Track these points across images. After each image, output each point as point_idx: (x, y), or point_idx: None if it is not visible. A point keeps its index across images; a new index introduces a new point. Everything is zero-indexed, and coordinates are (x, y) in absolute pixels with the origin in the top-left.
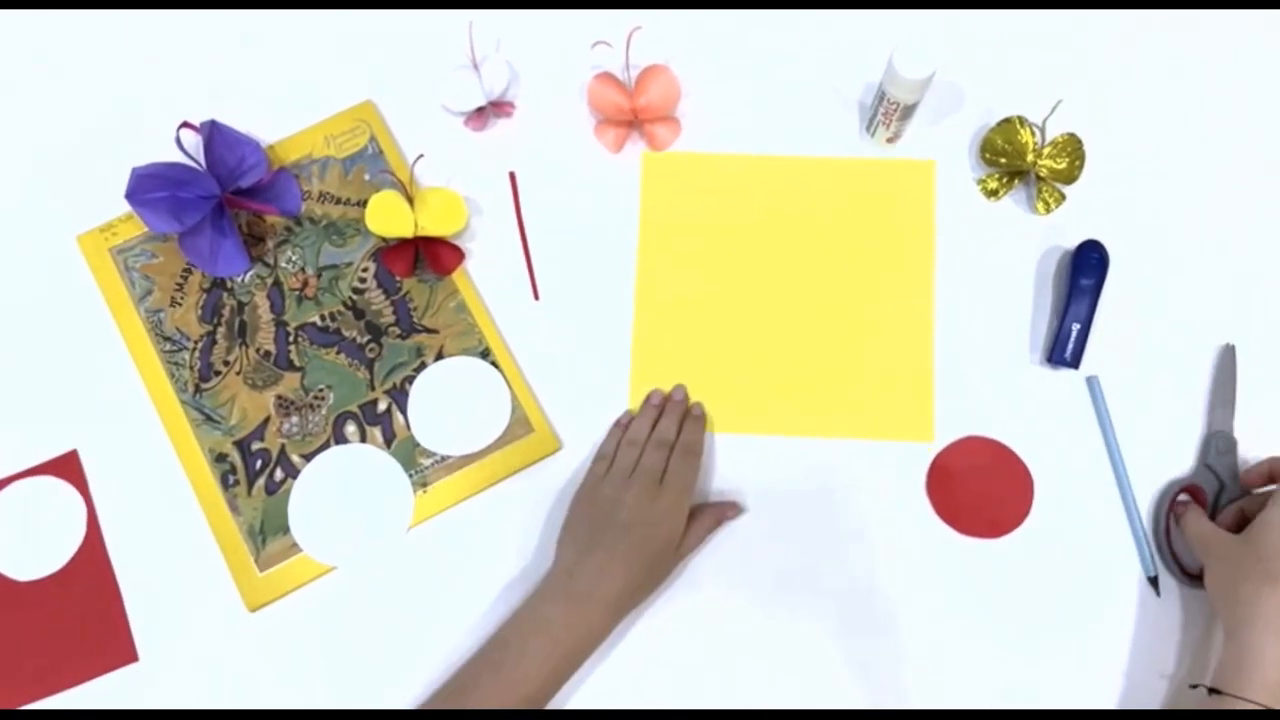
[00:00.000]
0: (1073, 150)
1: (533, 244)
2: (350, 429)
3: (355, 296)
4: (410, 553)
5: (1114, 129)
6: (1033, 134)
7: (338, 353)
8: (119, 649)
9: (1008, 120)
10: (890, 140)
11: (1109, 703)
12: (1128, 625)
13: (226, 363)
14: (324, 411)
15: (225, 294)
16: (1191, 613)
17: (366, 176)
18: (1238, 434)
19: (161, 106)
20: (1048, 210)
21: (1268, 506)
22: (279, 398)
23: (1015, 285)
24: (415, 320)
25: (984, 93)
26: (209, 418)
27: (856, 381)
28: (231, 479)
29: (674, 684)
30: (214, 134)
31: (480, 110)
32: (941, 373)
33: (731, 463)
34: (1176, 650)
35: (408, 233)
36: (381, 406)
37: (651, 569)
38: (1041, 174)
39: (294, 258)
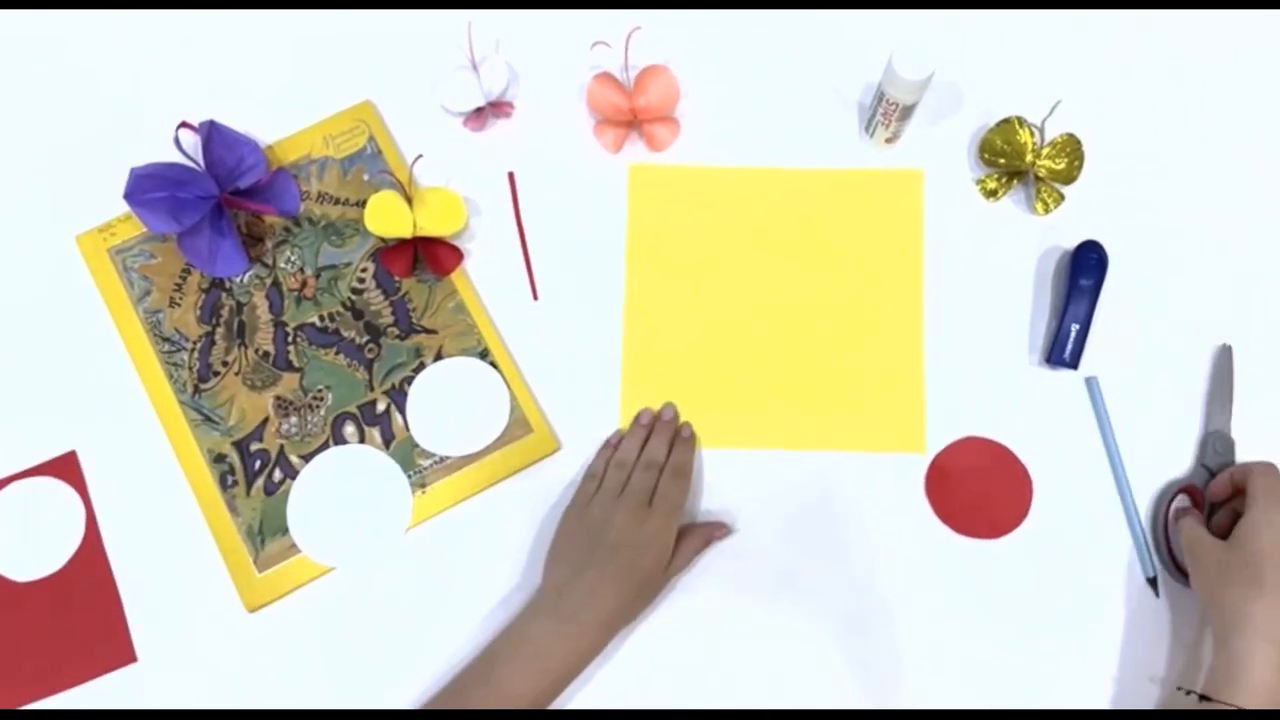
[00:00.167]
0: (1072, 151)
1: (532, 244)
2: (349, 429)
3: (354, 297)
4: (409, 553)
5: (1113, 129)
6: (1032, 134)
7: (336, 353)
8: (118, 649)
9: (1007, 121)
10: (889, 140)
11: (1108, 703)
12: (1127, 626)
13: (225, 363)
14: (323, 412)
15: (224, 294)
16: (1189, 614)
17: (365, 177)
18: (1235, 434)
19: (160, 106)
20: (1047, 211)
21: (1247, 511)
22: (278, 398)
23: (1014, 286)
24: (414, 321)
25: (983, 93)
26: (208, 418)
27: (847, 394)
28: (230, 479)
29: (674, 684)
30: (213, 134)
31: (479, 110)
32: (941, 373)
33: (725, 476)
34: (1175, 651)
35: (406, 233)
36: (380, 407)
37: (640, 591)
38: (1040, 174)
39: (293, 258)
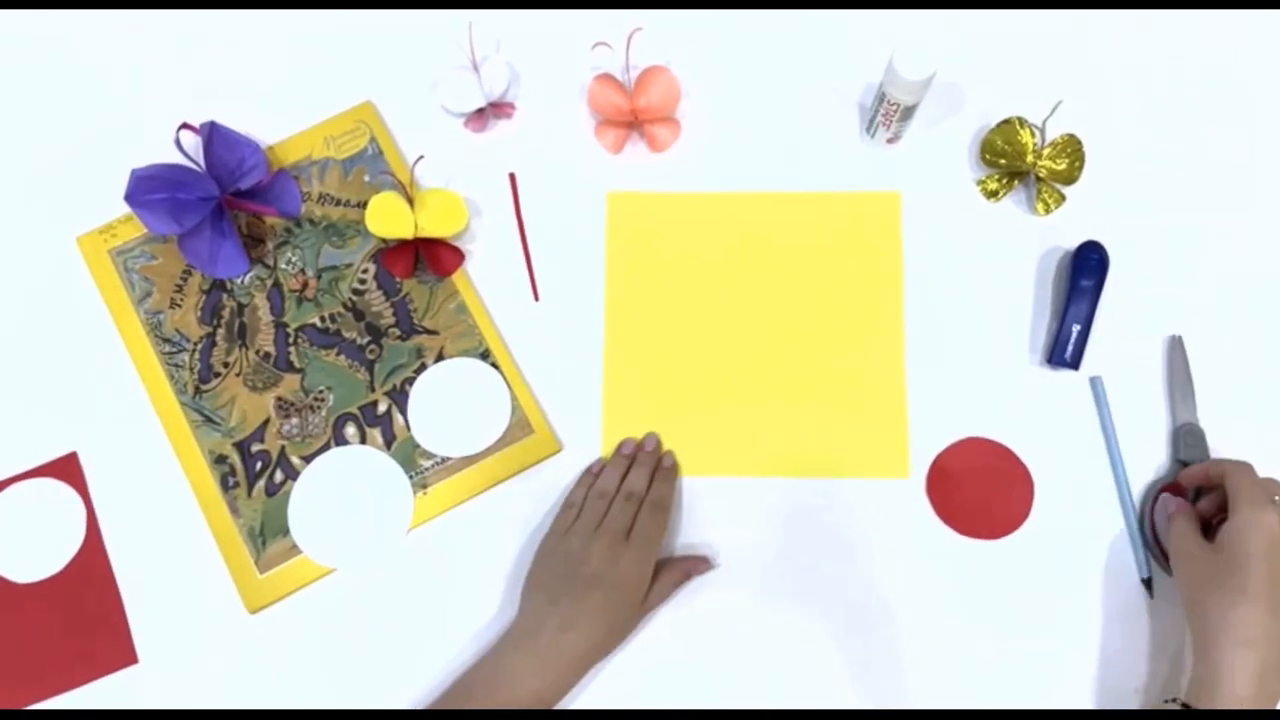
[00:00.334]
0: (1072, 151)
1: (533, 245)
2: (350, 430)
3: (355, 298)
4: (410, 554)
5: (1114, 130)
6: (1032, 135)
7: (338, 354)
8: (119, 651)
9: (1007, 121)
10: (891, 141)
11: (1108, 703)
12: (1127, 626)
13: (226, 364)
14: (324, 413)
15: (225, 295)
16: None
17: (366, 178)
18: (1214, 426)
19: (161, 107)
20: (1047, 211)
21: (1231, 515)
22: (279, 399)
23: (1015, 286)
24: (415, 321)
25: (984, 93)
26: (209, 419)
27: (830, 419)
28: (231, 480)
29: (674, 684)
30: (213, 135)
31: (480, 111)
32: (942, 373)
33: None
34: (1176, 654)
35: (408, 234)
36: (381, 408)
37: (615, 626)
38: (1041, 175)
39: (294, 259)
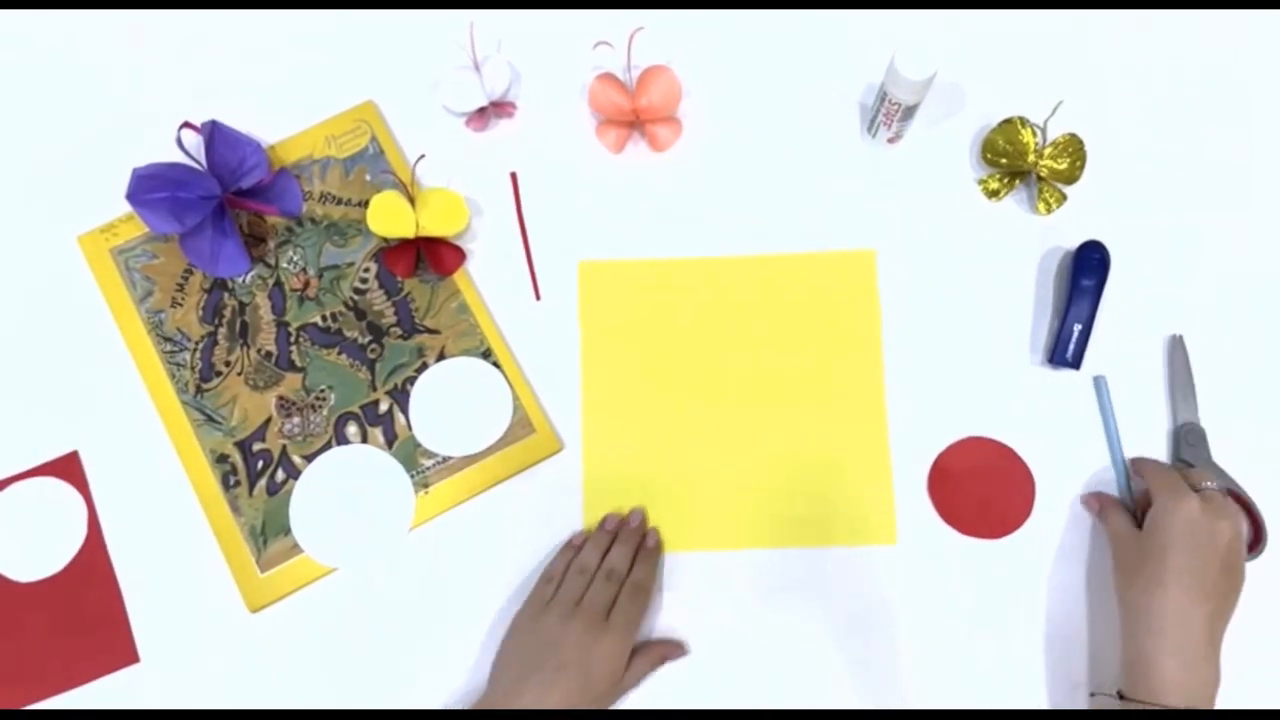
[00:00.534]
0: (1074, 151)
1: (534, 244)
2: (351, 430)
3: (356, 297)
4: (411, 554)
5: (1115, 129)
6: (1034, 134)
7: (339, 353)
8: (120, 650)
9: (1009, 121)
10: (892, 141)
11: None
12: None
13: (228, 363)
14: (325, 412)
15: (226, 295)
16: None
17: (368, 177)
18: (1223, 426)
19: (162, 106)
20: (1049, 210)
21: (1153, 502)
22: (280, 398)
23: (1016, 285)
24: (416, 321)
25: (985, 93)
26: (210, 418)
27: (814, 486)
28: (233, 480)
29: (674, 683)
30: (215, 134)
31: (481, 110)
32: (942, 372)
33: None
34: None
35: (409, 233)
36: (383, 407)
37: (587, 708)
38: (1042, 174)
39: (295, 258)
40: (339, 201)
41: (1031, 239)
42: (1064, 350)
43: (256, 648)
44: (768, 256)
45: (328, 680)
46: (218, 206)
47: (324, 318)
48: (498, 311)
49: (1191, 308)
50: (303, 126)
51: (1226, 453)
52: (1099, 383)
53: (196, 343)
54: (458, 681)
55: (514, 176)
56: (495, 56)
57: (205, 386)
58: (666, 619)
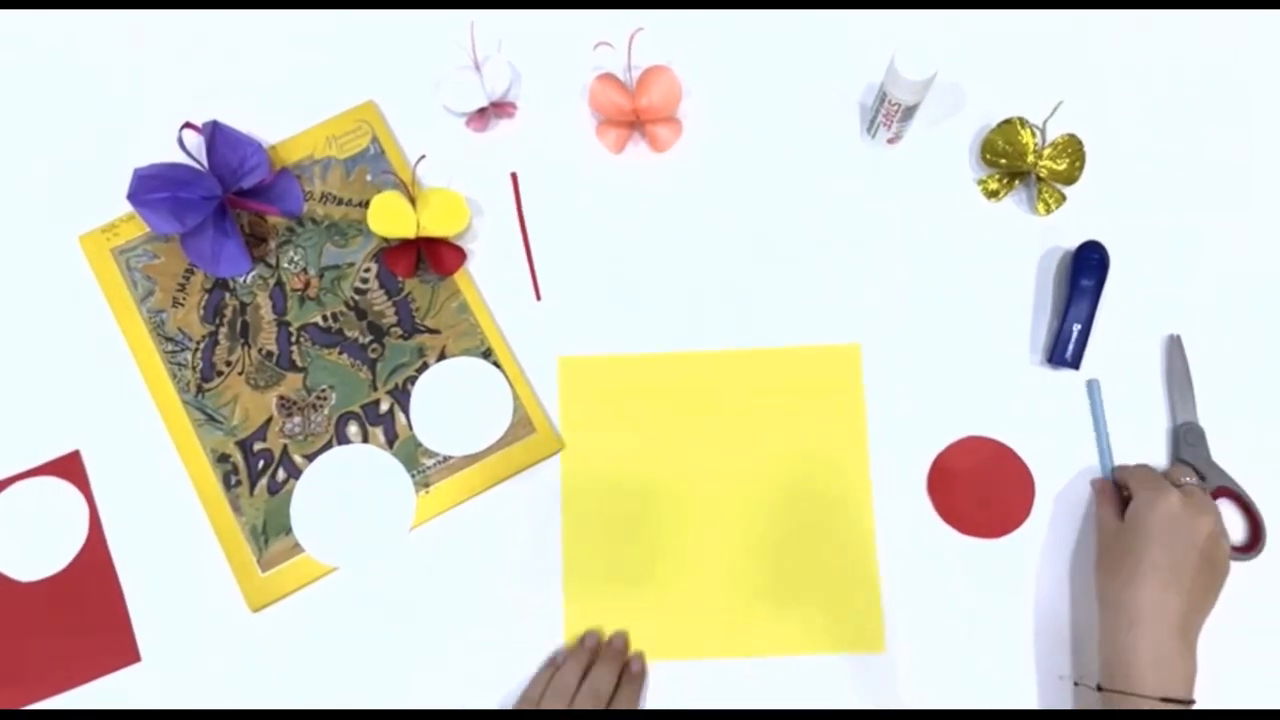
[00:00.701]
0: (1073, 151)
1: (534, 244)
2: (352, 429)
3: (357, 297)
4: (412, 553)
5: (1114, 130)
6: (1033, 135)
7: (340, 353)
8: (121, 649)
9: (1008, 121)
10: (891, 141)
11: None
12: None
13: (229, 363)
14: (326, 412)
15: (227, 294)
16: None
17: (368, 177)
18: (1223, 426)
19: (163, 107)
20: (1048, 211)
21: (1134, 497)
22: (281, 398)
23: (1016, 286)
24: (417, 321)
25: (985, 93)
26: (211, 418)
27: (799, 591)
28: (234, 479)
29: (674, 683)
30: (216, 134)
31: (482, 111)
32: (942, 372)
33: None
34: None
35: (409, 233)
36: (384, 407)
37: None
38: (1042, 175)
39: (296, 258)
40: (340, 201)
41: (1031, 239)
42: (1063, 350)
43: (257, 647)
44: (751, 351)
45: (329, 680)
46: (219, 206)
47: (325, 317)
48: (498, 311)
49: (1191, 308)
50: (303, 126)
51: (1226, 452)
52: (1092, 386)
53: (198, 342)
54: (457, 681)
55: (514, 176)
56: (496, 56)
57: (206, 386)
58: None
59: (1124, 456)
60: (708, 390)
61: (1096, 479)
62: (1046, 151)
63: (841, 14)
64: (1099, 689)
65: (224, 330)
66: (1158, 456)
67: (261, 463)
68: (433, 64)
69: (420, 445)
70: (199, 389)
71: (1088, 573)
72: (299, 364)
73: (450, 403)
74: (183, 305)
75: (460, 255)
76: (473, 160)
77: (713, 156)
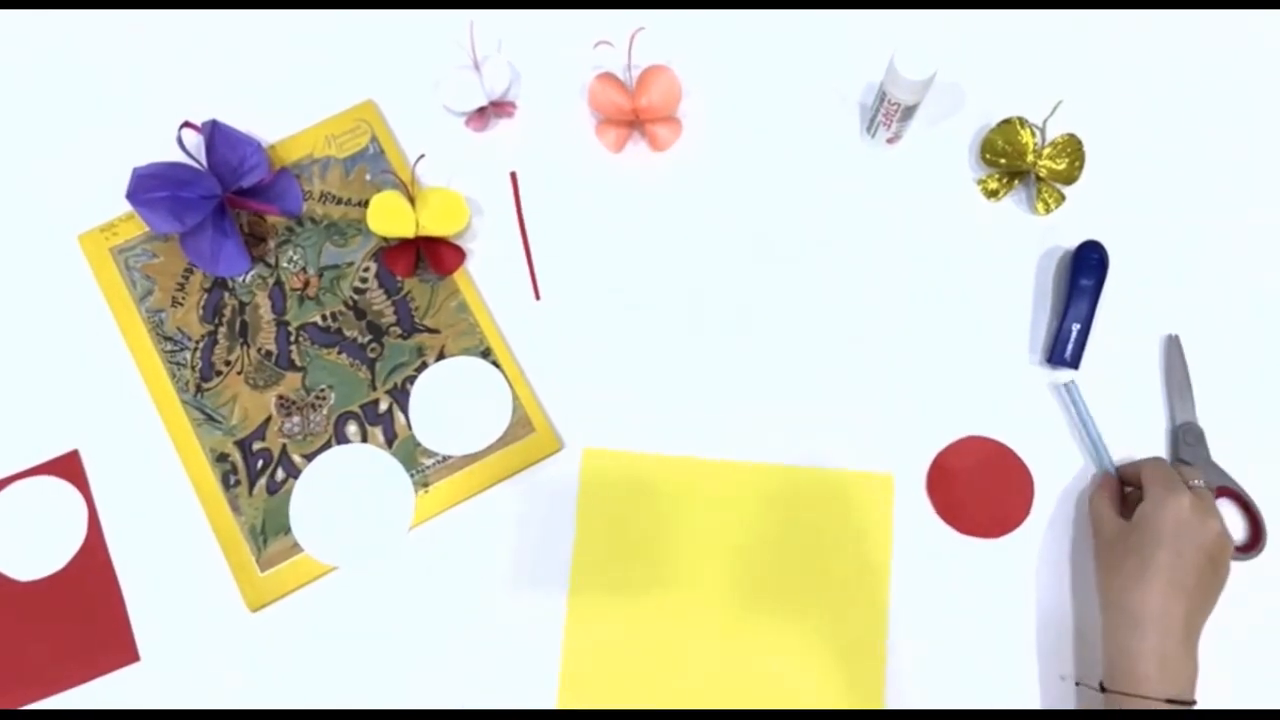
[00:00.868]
0: (1073, 151)
1: (534, 244)
2: (351, 429)
3: (356, 296)
4: (411, 553)
5: (1114, 129)
6: (1033, 134)
7: (339, 353)
8: (120, 649)
9: (1008, 121)
10: (891, 141)
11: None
12: None
13: (228, 363)
14: (325, 411)
15: (226, 294)
16: None
17: (368, 176)
18: (1222, 426)
19: (163, 106)
20: (1047, 211)
21: (1146, 495)
22: (280, 397)
23: (1015, 285)
24: (416, 320)
25: (984, 93)
26: (210, 417)
27: (805, 704)
28: (233, 479)
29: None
30: (215, 134)
31: (481, 110)
32: (942, 372)
33: None
34: None
35: (409, 233)
36: (383, 406)
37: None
38: (1041, 174)
39: (295, 258)
40: (339, 201)
41: (1030, 239)
42: (1062, 350)
43: (256, 647)
44: (783, 467)
45: (328, 679)
46: (218, 206)
47: (324, 317)
48: (497, 311)
49: (1191, 307)
50: (303, 126)
51: (1225, 452)
52: (1071, 389)
53: (197, 342)
54: (456, 681)
55: (514, 176)
56: (495, 56)
57: (205, 386)
58: None
59: (1123, 457)
60: (732, 496)
61: (1099, 475)
62: (1046, 151)
63: (841, 14)
64: (1102, 690)
65: (223, 330)
66: (1159, 456)
67: (260, 462)
68: (432, 63)
69: (419, 445)
70: (198, 388)
71: (1087, 572)
72: (298, 363)
73: (449, 402)
74: (182, 305)
75: (459, 255)
76: (472, 159)
77: (712, 156)
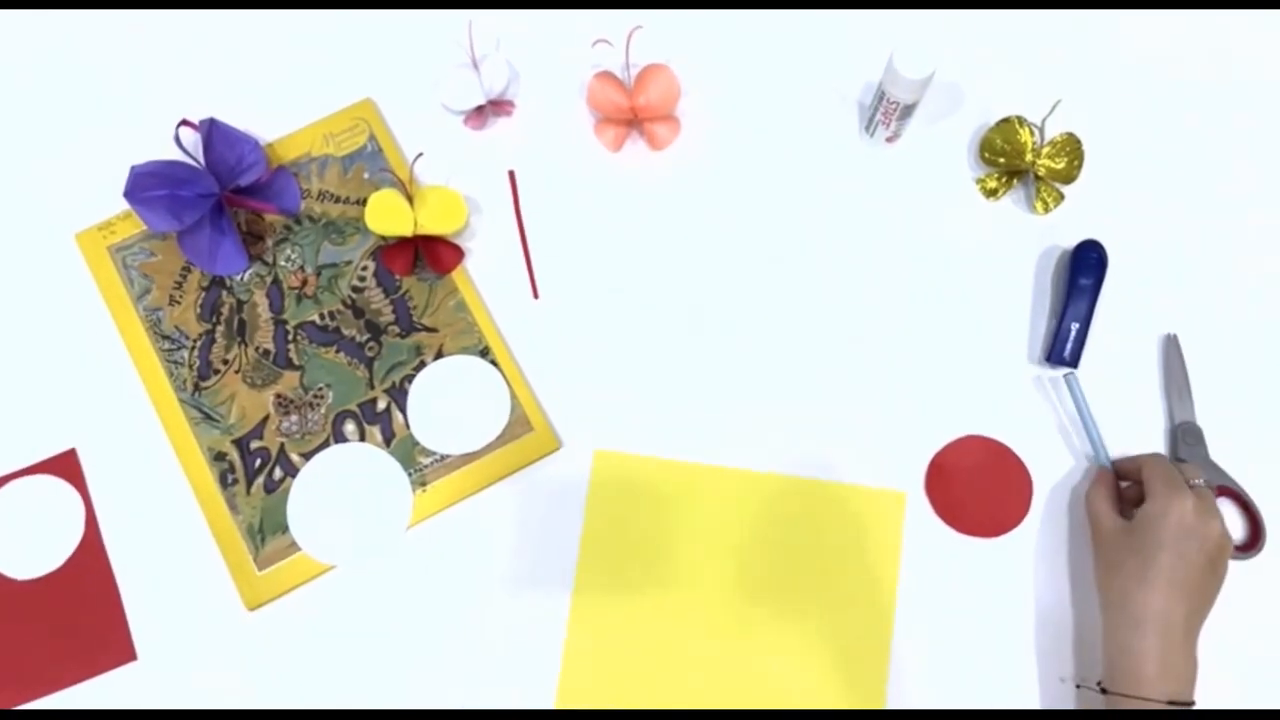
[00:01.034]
0: (1071, 150)
1: (532, 243)
2: (349, 428)
3: (354, 295)
4: (409, 552)
5: (1113, 129)
6: (1032, 134)
7: (337, 351)
8: (118, 648)
9: (1007, 120)
10: (890, 140)
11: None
12: None
13: (225, 361)
14: (323, 410)
15: (224, 292)
16: None
17: (366, 175)
18: (1221, 425)
19: (161, 104)
20: (1046, 210)
21: (1149, 496)
22: (278, 396)
23: (1014, 285)
24: (414, 319)
25: (983, 92)
26: (208, 416)
27: (806, 704)
28: (230, 478)
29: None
30: (213, 132)
31: (480, 109)
32: (941, 371)
33: None
34: None
35: (407, 231)
36: (381, 405)
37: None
38: (1040, 174)
39: (293, 256)
40: (337, 199)
41: (1029, 238)
42: (1061, 349)
43: (254, 646)
44: (794, 478)
45: (326, 678)
46: (216, 204)
47: (322, 316)
48: (496, 310)
49: (1189, 307)
50: (301, 124)
51: (1224, 451)
52: (1070, 381)
53: (194, 340)
54: (455, 680)
55: (512, 175)
56: (494, 55)
57: (203, 384)
58: None
59: (1122, 456)
60: (741, 505)
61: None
62: (1045, 150)
63: (840, 13)
64: (1103, 690)
65: (221, 328)
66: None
67: (258, 461)
68: (431, 62)
69: (417, 444)
70: (196, 387)
71: (1086, 572)
72: (296, 362)
73: (448, 401)
74: (179, 303)
75: (458, 253)
76: (470, 158)
77: (711, 155)
